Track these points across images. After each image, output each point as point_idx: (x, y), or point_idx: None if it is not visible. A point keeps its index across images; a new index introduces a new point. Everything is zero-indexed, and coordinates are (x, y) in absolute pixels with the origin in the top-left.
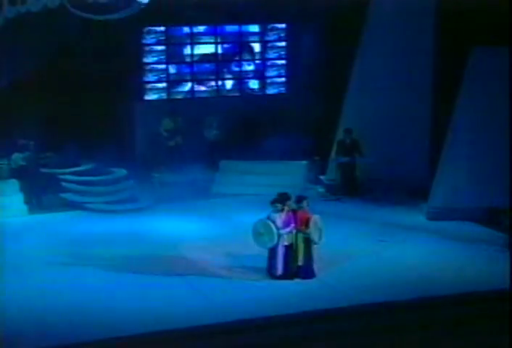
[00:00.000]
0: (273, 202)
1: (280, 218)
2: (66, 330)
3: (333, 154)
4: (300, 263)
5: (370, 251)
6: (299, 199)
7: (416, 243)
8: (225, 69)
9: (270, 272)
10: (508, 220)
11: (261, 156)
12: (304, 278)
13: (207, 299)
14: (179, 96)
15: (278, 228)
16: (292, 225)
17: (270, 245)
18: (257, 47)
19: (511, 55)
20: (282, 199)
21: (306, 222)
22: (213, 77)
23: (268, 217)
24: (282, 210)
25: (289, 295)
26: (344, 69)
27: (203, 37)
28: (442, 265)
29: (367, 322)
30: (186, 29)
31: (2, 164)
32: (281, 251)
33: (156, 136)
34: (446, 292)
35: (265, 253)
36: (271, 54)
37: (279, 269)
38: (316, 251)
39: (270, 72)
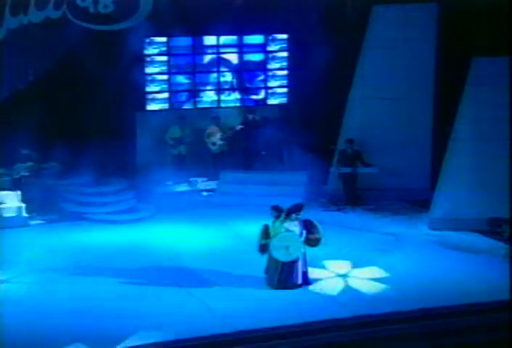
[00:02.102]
0: (288, 213)
1: (295, 227)
2: (66, 341)
3: (334, 163)
4: (304, 269)
5: (371, 262)
6: (301, 207)
7: (417, 253)
8: (226, 80)
9: (288, 282)
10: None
11: (262, 166)
12: (306, 284)
13: (208, 309)
14: (181, 107)
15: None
16: (304, 232)
17: (295, 255)
18: (258, 57)
19: (511, 66)
20: (279, 210)
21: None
22: (215, 87)
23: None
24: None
25: (290, 305)
26: (346, 80)
27: (205, 48)
28: (443, 276)
29: (367, 333)
30: (188, 40)
31: (4, 174)
32: (300, 260)
33: (159, 145)
34: (446, 303)
35: (264, 262)
36: (273, 65)
37: (300, 277)
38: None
39: (272, 83)
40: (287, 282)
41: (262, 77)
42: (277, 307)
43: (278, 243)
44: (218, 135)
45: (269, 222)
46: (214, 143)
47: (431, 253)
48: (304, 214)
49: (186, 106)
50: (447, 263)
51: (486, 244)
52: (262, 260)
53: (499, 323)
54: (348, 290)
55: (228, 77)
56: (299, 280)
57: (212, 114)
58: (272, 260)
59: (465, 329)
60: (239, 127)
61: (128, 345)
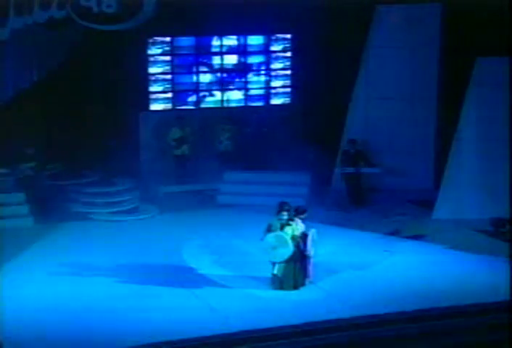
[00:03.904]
0: (302, 213)
1: (303, 224)
2: (68, 341)
3: (338, 164)
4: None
5: (374, 262)
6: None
7: (420, 253)
8: (230, 80)
9: (304, 279)
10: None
11: (266, 166)
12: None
13: (211, 309)
14: (184, 106)
15: None
16: None
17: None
18: (261, 57)
19: (511, 65)
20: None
21: None
22: (218, 87)
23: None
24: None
25: (295, 305)
26: (349, 80)
27: (208, 47)
28: (445, 276)
29: (367, 333)
30: (191, 40)
31: (8, 173)
32: None
33: (162, 146)
34: (447, 303)
35: (267, 263)
36: (276, 65)
37: (310, 274)
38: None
39: (275, 83)
40: (304, 279)
41: (265, 77)
42: (279, 307)
43: (314, 238)
44: (227, 135)
45: (270, 222)
46: (221, 142)
47: (434, 253)
48: (307, 215)
49: (189, 106)
50: (448, 263)
51: (489, 245)
52: (264, 260)
53: (499, 323)
54: (349, 290)
55: (231, 77)
56: (311, 277)
57: (224, 114)
58: (290, 263)
59: (465, 329)
60: (248, 130)
61: (130, 345)
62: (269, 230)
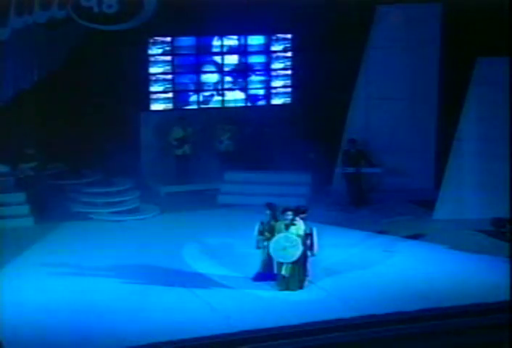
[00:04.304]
0: (303, 212)
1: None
2: (68, 341)
3: (339, 163)
4: None
5: (374, 262)
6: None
7: (420, 253)
8: (230, 80)
9: (306, 279)
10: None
11: (267, 166)
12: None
13: (212, 309)
14: (185, 106)
15: None
16: None
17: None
18: (262, 57)
19: (511, 65)
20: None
21: None
22: (219, 87)
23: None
24: None
25: (295, 305)
26: (349, 79)
27: (209, 47)
28: (445, 276)
29: (368, 333)
30: (192, 40)
31: (9, 173)
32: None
33: (163, 146)
34: (447, 303)
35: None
36: (277, 65)
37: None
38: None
39: (276, 83)
40: (305, 279)
41: (266, 77)
42: (280, 307)
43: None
44: (227, 135)
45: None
46: (221, 142)
47: (435, 253)
48: (308, 215)
49: (190, 106)
50: (449, 263)
51: (490, 245)
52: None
53: (499, 323)
54: (350, 290)
55: (232, 77)
56: (310, 276)
57: (225, 114)
58: (296, 263)
59: (465, 329)
60: (249, 130)
61: (131, 345)
62: (261, 232)
